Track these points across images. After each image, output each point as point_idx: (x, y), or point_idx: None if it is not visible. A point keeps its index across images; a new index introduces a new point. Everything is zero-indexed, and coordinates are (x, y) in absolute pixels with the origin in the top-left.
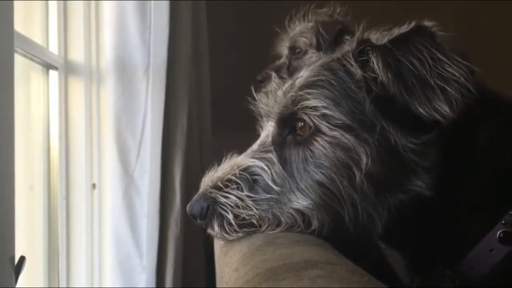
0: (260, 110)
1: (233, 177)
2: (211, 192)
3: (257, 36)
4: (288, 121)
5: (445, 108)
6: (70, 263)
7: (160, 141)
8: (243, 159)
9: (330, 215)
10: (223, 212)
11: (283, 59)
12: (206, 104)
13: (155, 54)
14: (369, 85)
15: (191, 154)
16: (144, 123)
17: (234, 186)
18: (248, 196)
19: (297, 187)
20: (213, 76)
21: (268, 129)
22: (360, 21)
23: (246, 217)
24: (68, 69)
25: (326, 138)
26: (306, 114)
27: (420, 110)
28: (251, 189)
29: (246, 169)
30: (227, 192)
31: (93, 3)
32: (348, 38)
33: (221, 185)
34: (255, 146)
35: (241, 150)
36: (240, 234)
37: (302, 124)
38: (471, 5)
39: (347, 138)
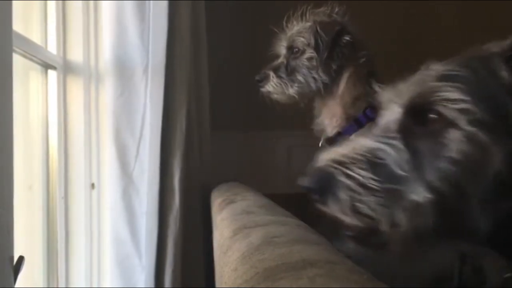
0: (383, 96)
1: (357, 156)
2: (332, 167)
3: (255, 36)
4: (420, 110)
5: None
6: (69, 263)
7: (159, 140)
8: (366, 141)
9: (447, 214)
10: (341, 193)
11: (281, 59)
12: (205, 103)
13: (154, 54)
14: None
15: (190, 153)
16: (143, 123)
17: (358, 165)
18: (372, 179)
19: (422, 178)
20: (212, 75)
21: (391, 116)
22: (358, 21)
23: (363, 207)
24: (67, 69)
25: (462, 133)
26: (444, 106)
27: None
28: (374, 172)
29: (370, 151)
30: (351, 170)
31: (91, 3)
32: (347, 38)
33: (345, 160)
34: (375, 130)
35: (240, 150)
36: (356, 221)
37: (436, 115)
38: (471, 5)
39: (484, 137)
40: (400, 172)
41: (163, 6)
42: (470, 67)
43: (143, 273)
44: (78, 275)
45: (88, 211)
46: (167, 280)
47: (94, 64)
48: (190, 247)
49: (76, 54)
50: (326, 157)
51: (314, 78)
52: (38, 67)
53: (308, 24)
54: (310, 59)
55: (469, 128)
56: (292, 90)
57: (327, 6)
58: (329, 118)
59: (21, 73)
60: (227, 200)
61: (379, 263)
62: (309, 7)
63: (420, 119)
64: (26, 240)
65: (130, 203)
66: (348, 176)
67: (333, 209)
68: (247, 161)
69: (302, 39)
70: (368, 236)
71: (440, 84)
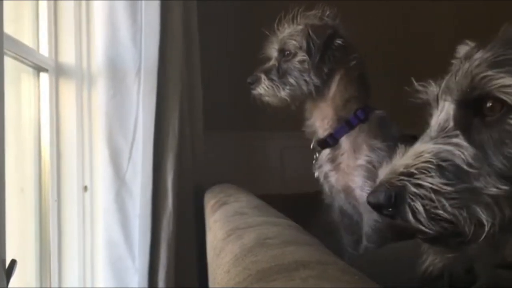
0: (429, 96)
1: (423, 164)
2: (400, 180)
3: (248, 37)
4: (473, 103)
5: None
6: (62, 265)
7: (152, 142)
8: (427, 146)
9: None
10: (415, 203)
11: (273, 62)
12: (197, 105)
13: (147, 56)
14: None
15: (183, 155)
16: (136, 125)
17: (426, 172)
18: (443, 183)
19: (494, 170)
20: (204, 77)
21: (445, 114)
22: (350, 22)
23: (441, 213)
24: (59, 71)
25: None
26: (501, 92)
27: None
28: (443, 175)
29: (434, 155)
30: (420, 179)
31: (83, 4)
32: (339, 42)
33: (413, 171)
34: (432, 132)
35: (232, 151)
36: (436, 228)
37: (491, 104)
38: (471, 5)
39: None
40: (469, 169)
41: (155, 8)
42: None
43: (136, 275)
44: (71, 277)
45: (81, 214)
46: (161, 282)
47: (86, 66)
48: (184, 249)
49: (68, 57)
50: (390, 170)
51: (305, 81)
52: (30, 69)
53: (300, 27)
54: (301, 62)
55: None
56: (283, 93)
57: (319, 8)
58: (320, 120)
59: (13, 75)
60: (220, 202)
61: (370, 262)
62: (300, 10)
63: (475, 111)
64: (19, 243)
65: (123, 205)
66: (419, 186)
67: (409, 221)
68: (240, 162)
69: (293, 42)
70: (446, 237)
71: (492, 72)
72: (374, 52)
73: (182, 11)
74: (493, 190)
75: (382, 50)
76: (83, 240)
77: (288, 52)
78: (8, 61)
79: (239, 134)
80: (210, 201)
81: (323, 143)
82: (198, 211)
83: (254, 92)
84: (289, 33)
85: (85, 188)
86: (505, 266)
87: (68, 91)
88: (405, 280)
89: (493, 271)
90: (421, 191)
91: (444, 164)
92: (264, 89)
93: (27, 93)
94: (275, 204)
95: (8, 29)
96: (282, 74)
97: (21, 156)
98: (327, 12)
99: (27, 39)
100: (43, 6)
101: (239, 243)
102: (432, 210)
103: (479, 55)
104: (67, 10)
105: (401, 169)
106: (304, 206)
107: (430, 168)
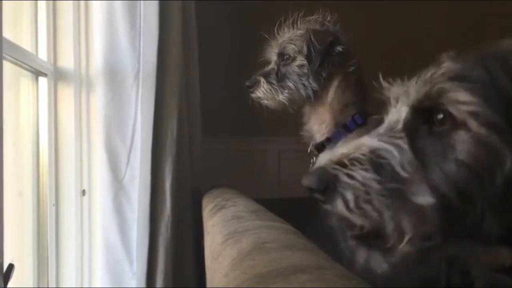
0: (390, 93)
1: (360, 156)
2: (334, 168)
3: (247, 42)
4: (427, 111)
5: None
6: (60, 270)
7: (150, 146)
8: (369, 140)
9: (452, 218)
10: (345, 192)
11: (272, 65)
12: (196, 109)
13: (145, 60)
14: None
15: (181, 159)
16: (134, 129)
17: (361, 166)
18: (374, 180)
19: (427, 181)
20: (203, 81)
21: (398, 115)
22: (346, 24)
23: (368, 207)
24: (57, 75)
25: (471, 135)
26: (453, 106)
27: None
28: (376, 172)
29: (373, 151)
30: (352, 170)
31: (82, 9)
32: (339, 49)
33: (346, 162)
34: (381, 129)
35: (230, 155)
36: (362, 219)
37: (442, 116)
38: (461, 5)
39: (493, 138)
40: (402, 173)
41: (154, 12)
42: (485, 66)
43: (134, 279)
44: (69, 281)
45: (79, 218)
46: (158, 286)
47: (85, 70)
48: (181, 253)
49: (66, 61)
50: (328, 157)
51: (304, 85)
52: (29, 74)
53: (299, 31)
54: (300, 66)
55: (479, 130)
56: (282, 96)
57: (319, 14)
58: (318, 124)
59: (12, 80)
60: (218, 206)
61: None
62: (300, 15)
63: (427, 119)
64: (16, 247)
65: (121, 209)
66: (351, 177)
67: (338, 207)
68: (238, 166)
69: (293, 46)
70: (373, 238)
71: (450, 84)
72: (372, 55)
73: (180, 16)
74: (419, 200)
75: (380, 54)
76: (81, 244)
77: (287, 56)
78: (6, 66)
79: (236, 138)
80: (208, 205)
81: (321, 148)
82: (196, 215)
83: (253, 95)
84: (288, 37)
85: (83, 192)
86: (502, 270)
87: (66, 95)
88: (402, 285)
89: (490, 275)
90: (352, 182)
91: (380, 161)
92: (262, 92)
93: (26, 98)
94: (273, 208)
95: (7, 33)
96: (280, 78)
97: (19, 160)
98: (328, 18)
99: (25, 44)
100: (42, 11)
101: (237, 247)
102: (361, 202)
103: (447, 64)
104: (66, 14)
105: (338, 158)
106: (301, 211)
107: (365, 161)
